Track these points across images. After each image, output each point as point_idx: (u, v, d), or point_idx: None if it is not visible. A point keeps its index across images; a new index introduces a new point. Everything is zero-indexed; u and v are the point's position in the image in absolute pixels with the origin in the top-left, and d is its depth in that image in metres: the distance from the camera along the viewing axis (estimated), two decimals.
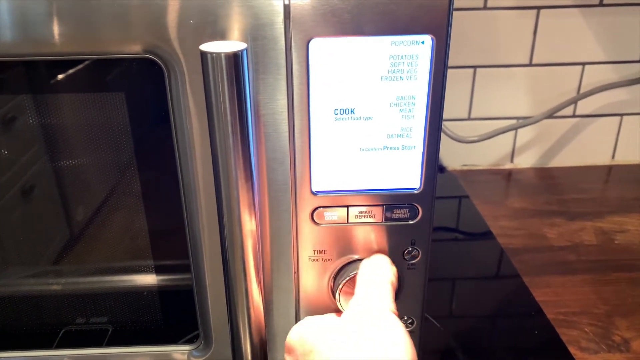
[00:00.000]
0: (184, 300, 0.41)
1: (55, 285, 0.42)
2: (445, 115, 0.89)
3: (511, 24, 0.77)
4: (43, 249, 0.41)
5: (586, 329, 0.54)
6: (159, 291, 0.42)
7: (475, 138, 0.80)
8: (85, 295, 0.42)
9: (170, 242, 0.40)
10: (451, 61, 0.88)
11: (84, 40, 0.32)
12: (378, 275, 0.35)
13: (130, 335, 0.43)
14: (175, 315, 0.43)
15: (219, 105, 0.29)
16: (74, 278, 0.42)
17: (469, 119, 0.82)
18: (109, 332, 0.43)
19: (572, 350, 0.52)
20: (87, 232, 0.40)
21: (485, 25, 0.77)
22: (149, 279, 0.42)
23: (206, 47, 0.29)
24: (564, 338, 0.53)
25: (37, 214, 0.40)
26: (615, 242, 0.68)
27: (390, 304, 0.33)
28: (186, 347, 0.42)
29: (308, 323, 0.34)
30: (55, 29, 0.31)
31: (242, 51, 0.29)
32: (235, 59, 0.28)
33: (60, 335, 0.43)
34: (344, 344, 0.31)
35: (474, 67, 0.79)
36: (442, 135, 0.78)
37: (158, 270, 0.41)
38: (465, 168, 0.86)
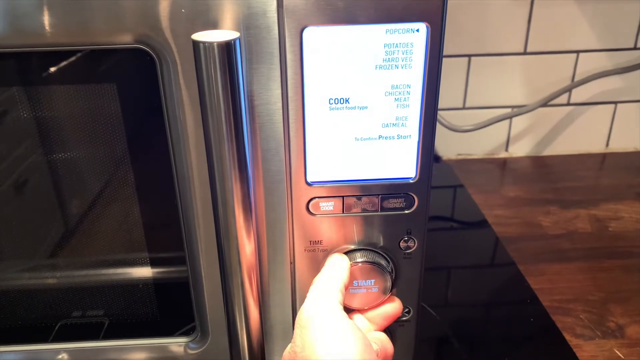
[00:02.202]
0: (180, 292, 0.41)
1: (51, 278, 0.42)
2: (439, 105, 0.89)
3: (505, 12, 0.77)
4: (38, 242, 0.41)
5: (581, 316, 0.55)
6: (155, 283, 0.42)
7: (470, 127, 0.80)
8: (81, 288, 0.42)
9: (165, 234, 0.40)
10: (445, 50, 0.88)
11: (74, 31, 0.31)
12: (326, 272, 0.36)
13: (127, 328, 0.43)
14: (171, 307, 0.43)
15: (211, 95, 0.29)
16: (70, 271, 0.42)
17: (463, 108, 0.82)
18: (105, 325, 0.43)
19: (567, 336, 0.52)
20: (81, 225, 0.40)
21: (480, 14, 0.76)
22: (144, 272, 0.41)
23: (198, 36, 0.28)
24: (559, 325, 0.53)
25: (31, 207, 0.40)
26: (610, 229, 0.68)
27: (336, 300, 0.34)
28: (183, 339, 0.42)
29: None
30: (46, 20, 0.31)
31: (234, 40, 0.28)
32: (227, 48, 0.28)
33: (56, 328, 0.43)
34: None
35: (469, 55, 0.79)
36: (437, 125, 0.78)
37: (154, 263, 0.41)
38: (460, 157, 0.86)
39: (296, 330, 0.33)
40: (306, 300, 0.34)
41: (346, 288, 0.36)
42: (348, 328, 0.32)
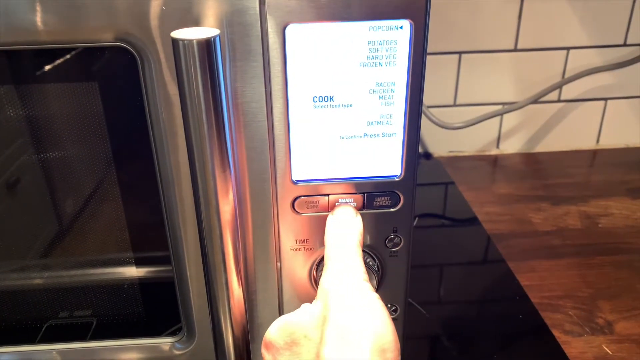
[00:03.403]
0: (166, 292, 0.40)
1: (37, 279, 0.42)
2: (430, 102, 0.89)
3: (496, 8, 0.76)
4: (23, 243, 0.41)
5: (570, 313, 0.55)
6: (141, 284, 0.42)
7: (461, 124, 0.80)
8: (68, 288, 0.42)
9: (150, 234, 0.40)
10: (436, 47, 0.88)
11: (56, 29, 0.31)
12: (344, 239, 0.34)
13: (115, 328, 0.43)
14: (158, 307, 0.42)
15: (192, 93, 0.29)
16: (56, 271, 0.42)
17: (454, 105, 0.82)
18: (93, 325, 0.42)
19: (556, 333, 0.52)
20: (65, 225, 0.40)
21: (470, 11, 0.76)
22: (130, 272, 0.41)
23: (178, 34, 0.28)
24: (548, 322, 0.53)
25: (14, 209, 0.40)
26: (600, 225, 0.68)
27: (361, 275, 0.32)
28: (169, 339, 0.41)
29: (286, 318, 0.34)
30: (30, 18, 0.31)
31: (214, 37, 0.28)
32: (207, 45, 0.28)
33: (43, 329, 0.42)
34: (324, 334, 0.30)
35: (459, 52, 0.79)
36: (428, 122, 0.78)
37: (139, 263, 0.41)
38: (451, 154, 0.86)
39: (328, 306, 0.31)
40: (330, 271, 0.33)
41: None
42: (382, 305, 0.31)
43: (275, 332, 0.33)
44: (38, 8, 0.30)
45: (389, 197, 0.35)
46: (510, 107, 0.80)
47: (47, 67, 0.34)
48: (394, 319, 0.40)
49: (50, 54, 0.33)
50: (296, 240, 0.37)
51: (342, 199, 0.35)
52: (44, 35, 0.31)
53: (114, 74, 0.34)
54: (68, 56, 0.33)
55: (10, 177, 0.38)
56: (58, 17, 0.31)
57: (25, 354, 0.42)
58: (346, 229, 0.35)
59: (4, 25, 0.31)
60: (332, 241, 0.35)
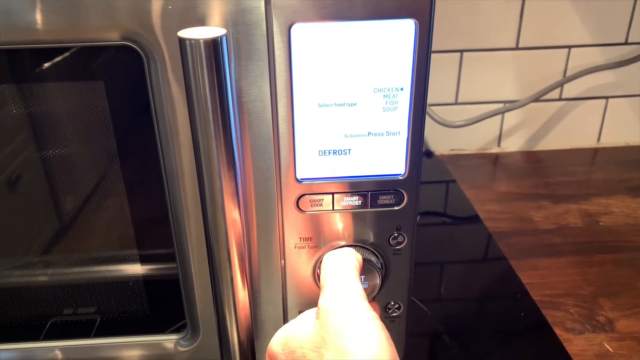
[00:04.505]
0: (171, 289, 0.40)
1: (42, 276, 0.42)
2: (432, 100, 0.89)
3: (497, 7, 0.76)
4: (27, 240, 0.41)
5: (571, 310, 0.55)
6: (146, 281, 0.42)
7: (463, 122, 0.80)
8: (72, 285, 0.42)
9: (156, 231, 0.40)
10: (438, 46, 0.88)
11: (62, 28, 0.31)
12: (341, 264, 0.35)
13: (119, 325, 0.43)
14: (162, 304, 0.43)
15: (199, 92, 0.29)
16: (61, 268, 0.42)
17: (456, 103, 0.82)
18: (97, 322, 0.43)
19: (558, 331, 0.52)
20: (70, 222, 0.40)
21: (472, 9, 0.76)
22: (136, 269, 0.41)
23: (184, 33, 0.28)
24: (549, 319, 0.54)
25: (19, 205, 0.40)
26: (600, 224, 0.69)
27: (359, 293, 0.33)
28: (173, 337, 0.42)
29: (288, 331, 0.34)
30: (34, 17, 0.31)
31: (221, 37, 0.28)
32: (214, 45, 0.28)
33: (47, 326, 0.43)
34: (322, 353, 0.31)
35: (461, 51, 0.79)
36: (430, 120, 0.78)
37: (144, 260, 0.41)
38: (452, 152, 0.86)
39: (327, 328, 0.31)
40: (327, 291, 0.33)
41: None
42: (380, 325, 0.31)
43: (277, 345, 0.34)
44: (39, 7, 0.30)
45: (392, 196, 0.36)
46: (511, 105, 0.81)
47: (55, 66, 0.34)
48: (396, 317, 0.40)
49: (57, 53, 0.33)
50: (300, 238, 0.37)
51: (346, 197, 0.36)
52: (48, 35, 0.31)
53: (120, 73, 0.34)
54: (75, 55, 0.33)
55: (12, 174, 0.38)
56: (59, 16, 0.31)
57: (29, 351, 0.42)
58: (344, 254, 0.36)
59: (7, 25, 0.31)
60: (329, 264, 0.35)
